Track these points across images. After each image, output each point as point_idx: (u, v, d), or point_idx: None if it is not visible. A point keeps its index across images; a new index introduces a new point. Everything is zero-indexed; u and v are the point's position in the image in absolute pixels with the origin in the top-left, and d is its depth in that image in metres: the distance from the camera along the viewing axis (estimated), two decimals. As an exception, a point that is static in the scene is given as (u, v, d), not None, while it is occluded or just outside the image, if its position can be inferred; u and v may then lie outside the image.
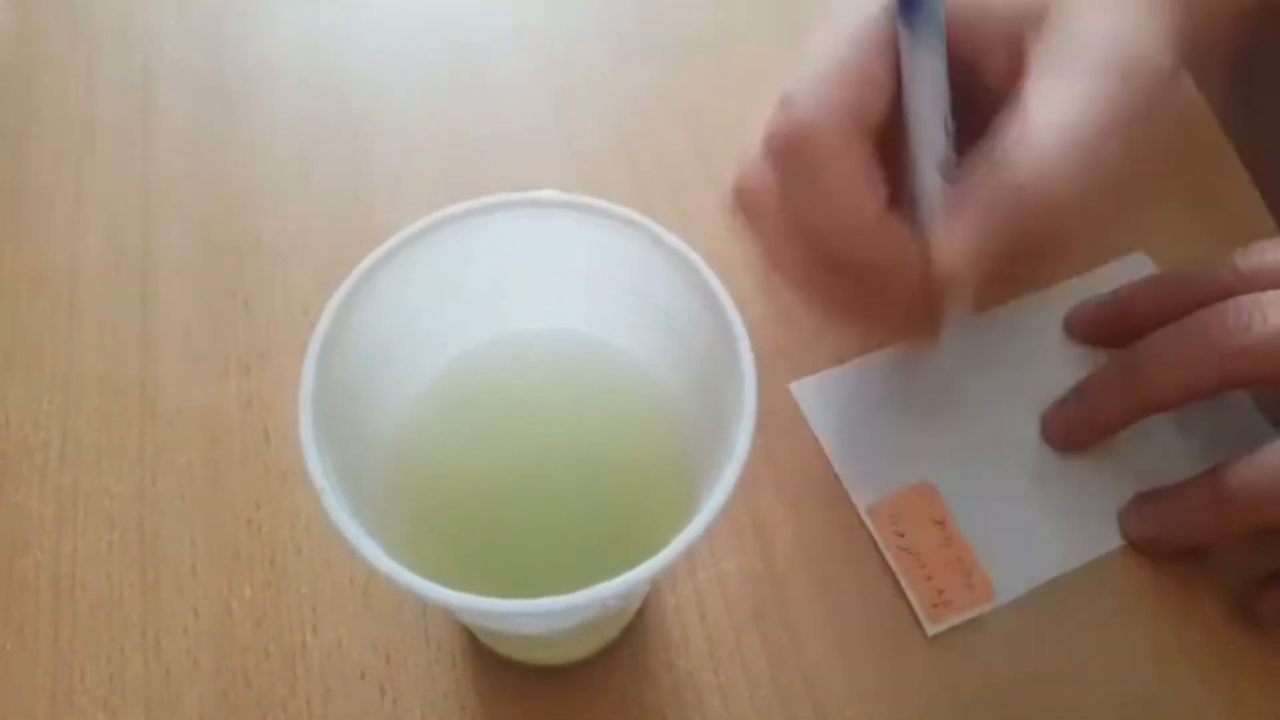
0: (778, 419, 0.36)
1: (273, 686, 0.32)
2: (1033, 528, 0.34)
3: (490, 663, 0.32)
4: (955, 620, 0.32)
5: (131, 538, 0.34)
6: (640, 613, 0.33)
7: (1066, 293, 0.38)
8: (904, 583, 0.33)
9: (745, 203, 0.30)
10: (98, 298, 0.38)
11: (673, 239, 0.25)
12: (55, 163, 0.41)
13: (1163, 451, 0.34)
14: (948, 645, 0.32)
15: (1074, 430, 0.35)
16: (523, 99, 0.43)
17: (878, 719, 0.31)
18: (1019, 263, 0.28)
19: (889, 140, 0.28)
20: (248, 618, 0.33)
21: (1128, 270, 0.38)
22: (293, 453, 0.35)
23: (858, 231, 0.27)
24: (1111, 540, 0.33)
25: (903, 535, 0.33)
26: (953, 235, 0.27)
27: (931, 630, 0.32)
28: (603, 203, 0.26)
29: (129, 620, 0.32)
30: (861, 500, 0.34)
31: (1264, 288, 0.31)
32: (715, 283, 0.24)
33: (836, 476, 0.34)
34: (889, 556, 0.33)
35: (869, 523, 0.33)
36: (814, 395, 0.36)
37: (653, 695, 0.31)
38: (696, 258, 0.25)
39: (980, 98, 0.28)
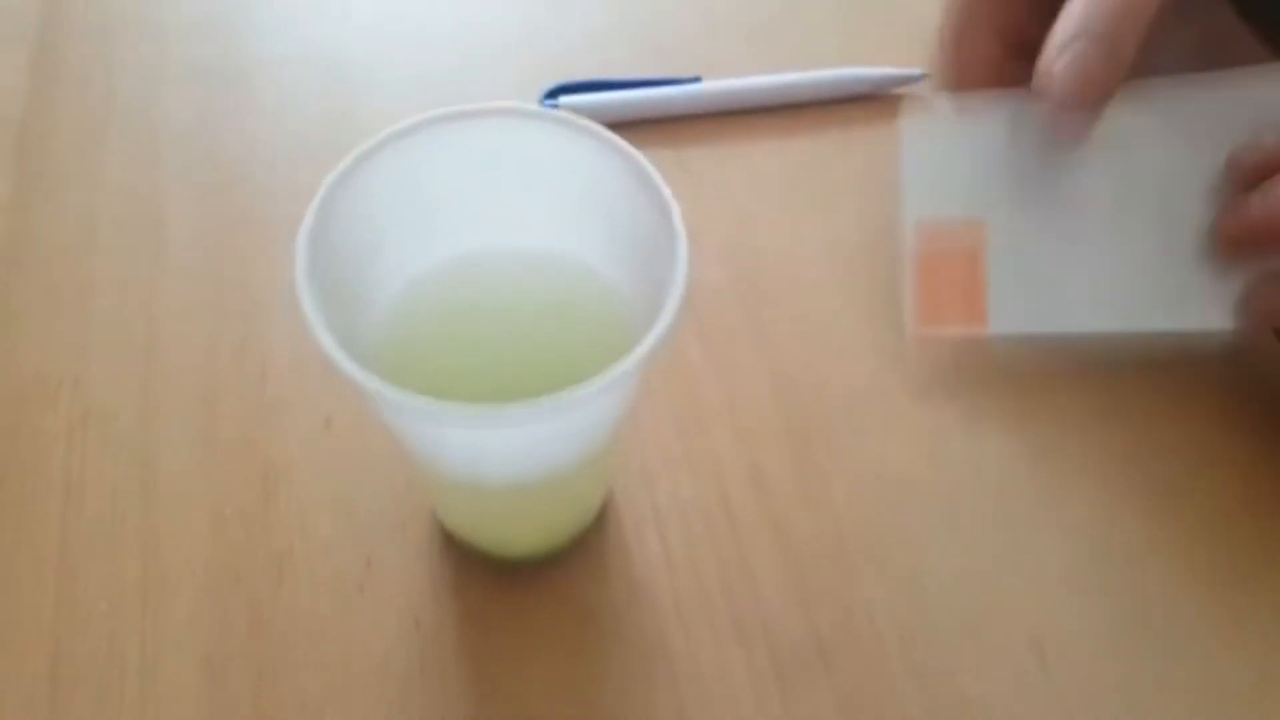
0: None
1: (260, 584, 0.34)
2: (1056, 286, 0.35)
3: (463, 566, 0.34)
4: (942, 332, 0.35)
5: (134, 456, 0.36)
6: (601, 525, 0.35)
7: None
8: (910, 284, 0.35)
9: None
10: (112, 253, 0.42)
11: (614, 138, 0.28)
12: (77, 136, 0.45)
13: None
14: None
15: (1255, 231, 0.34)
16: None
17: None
18: None
19: None
20: (239, 526, 0.35)
21: None
22: (286, 385, 0.38)
23: None
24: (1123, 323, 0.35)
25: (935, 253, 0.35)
26: None
27: (918, 331, 0.35)
28: (561, 113, 0.29)
29: (129, 527, 0.35)
30: (912, 214, 0.36)
31: None
32: (659, 179, 0.27)
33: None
34: (912, 265, 0.35)
35: (911, 233, 0.35)
36: (918, 131, 0.37)
37: (608, 594, 0.34)
38: (641, 158, 0.28)
39: None
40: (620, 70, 0.46)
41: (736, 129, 0.45)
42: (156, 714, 0.32)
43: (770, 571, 0.34)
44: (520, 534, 0.34)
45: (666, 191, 0.27)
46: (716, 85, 0.45)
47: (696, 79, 0.45)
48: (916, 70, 0.46)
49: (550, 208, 0.30)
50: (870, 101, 0.46)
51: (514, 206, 0.30)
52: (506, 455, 0.27)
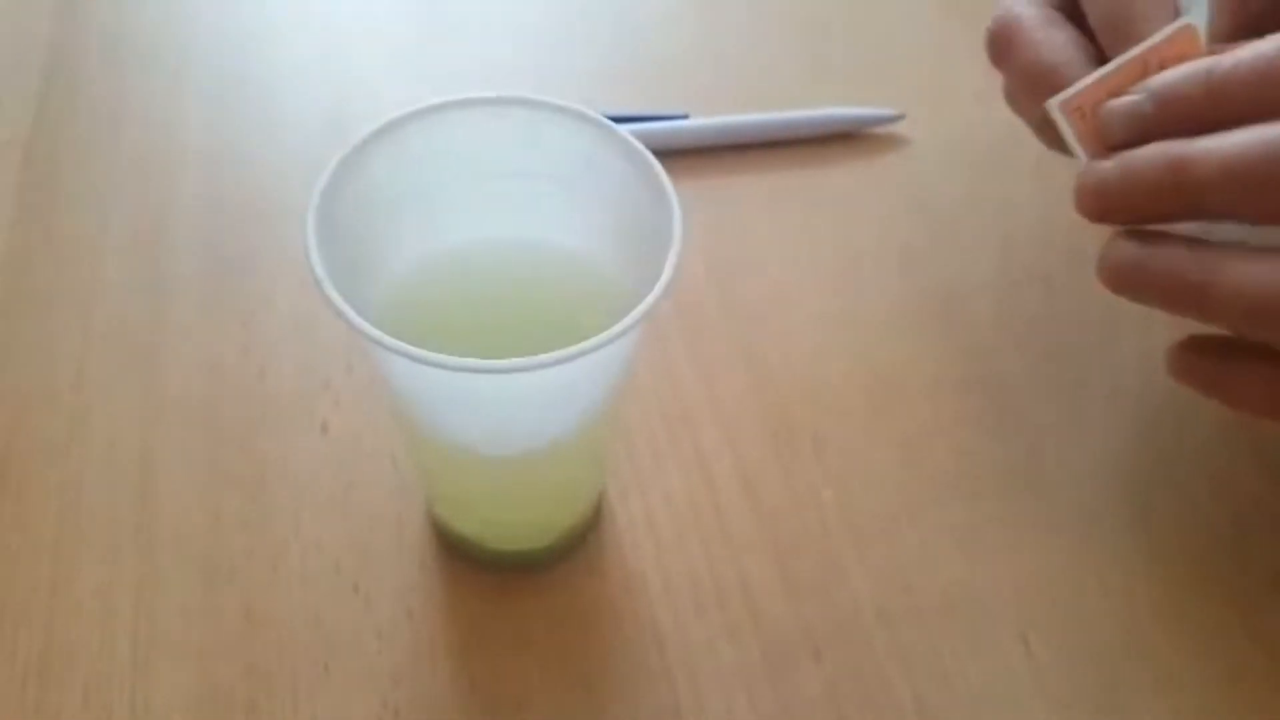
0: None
1: (254, 578, 0.34)
2: None
3: (457, 565, 0.35)
4: None
5: (132, 456, 0.37)
6: (592, 526, 0.36)
7: None
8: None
9: (996, 44, 0.34)
10: (117, 260, 0.42)
11: (613, 126, 0.29)
12: (83, 149, 0.46)
13: None
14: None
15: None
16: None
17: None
18: None
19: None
20: (235, 521, 0.36)
21: None
22: (284, 390, 0.39)
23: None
24: None
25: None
26: None
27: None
28: (563, 101, 0.30)
29: (125, 524, 0.35)
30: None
31: None
32: (652, 160, 0.28)
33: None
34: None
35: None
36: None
37: (599, 589, 0.35)
38: (637, 143, 0.29)
39: None
40: (609, 107, 0.47)
41: (723, 164, 0.47)
42: (148, 708, 0.32)
43: (760, 567, 0.35)
44: (518, 520, 0.34)
45: (660, 170, 0.28)
46: (704, 122, 0.47)
47: (684, 115, 0.47)
48: (890, 111, 0.48)
49: (551, 197, 0.31)
50: (848, 140, 0.48)
51: (515, 196, 0.31)
52: (513, 415, 0.28)
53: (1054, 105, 0.32)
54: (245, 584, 0.34)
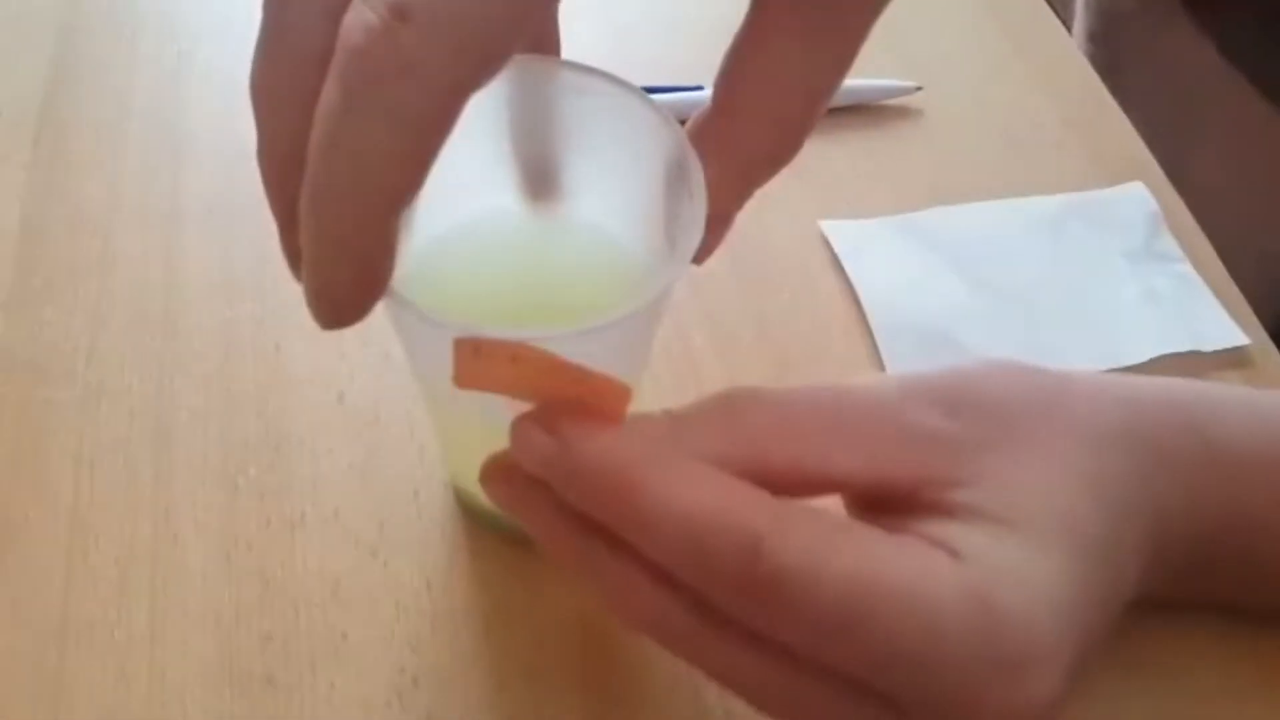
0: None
1: (272, 549, 0.34)
2: None
3: (476, 534, 0.35)
4: None
5: (148, 427, 0.37)
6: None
7: (1055, 206, 0.43)
8: None
9: None
10: (130, 234, 0.42)
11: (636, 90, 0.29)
12: (96, 121, 0.46)
13: None
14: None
15: None
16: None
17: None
18: None
19: None
20: (252, 493, 0.35)
21: (1124, 199, 0.43)
22: (300, 361, 0.39)
23: None
24: None
25: None
26: None
27: None
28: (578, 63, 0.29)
29: (141, 495, 0.35)
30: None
31: None
32: (669, 116, 0.28)
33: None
34: None
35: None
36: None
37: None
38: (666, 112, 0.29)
39: None
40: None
41: (737, 136, 0.46)
42: (166, 677, 0.32)
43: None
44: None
45: (686, 139, 0.27)
46: (719, 93, 0.47)
47: (699, 87, 0.47)
48: (909, 83, 0.47)
49: (571, 166, 0.31)
50: (865, 111, 0.47)
51: (532, 163, 0.31)
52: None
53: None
54: (263, 553, 0.34)
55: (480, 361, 0.24)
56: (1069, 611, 0.25)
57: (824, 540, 0.24)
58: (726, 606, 0.24)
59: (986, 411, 0.27)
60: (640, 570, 0.25)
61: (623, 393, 0.25)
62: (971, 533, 0.25)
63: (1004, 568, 0.25)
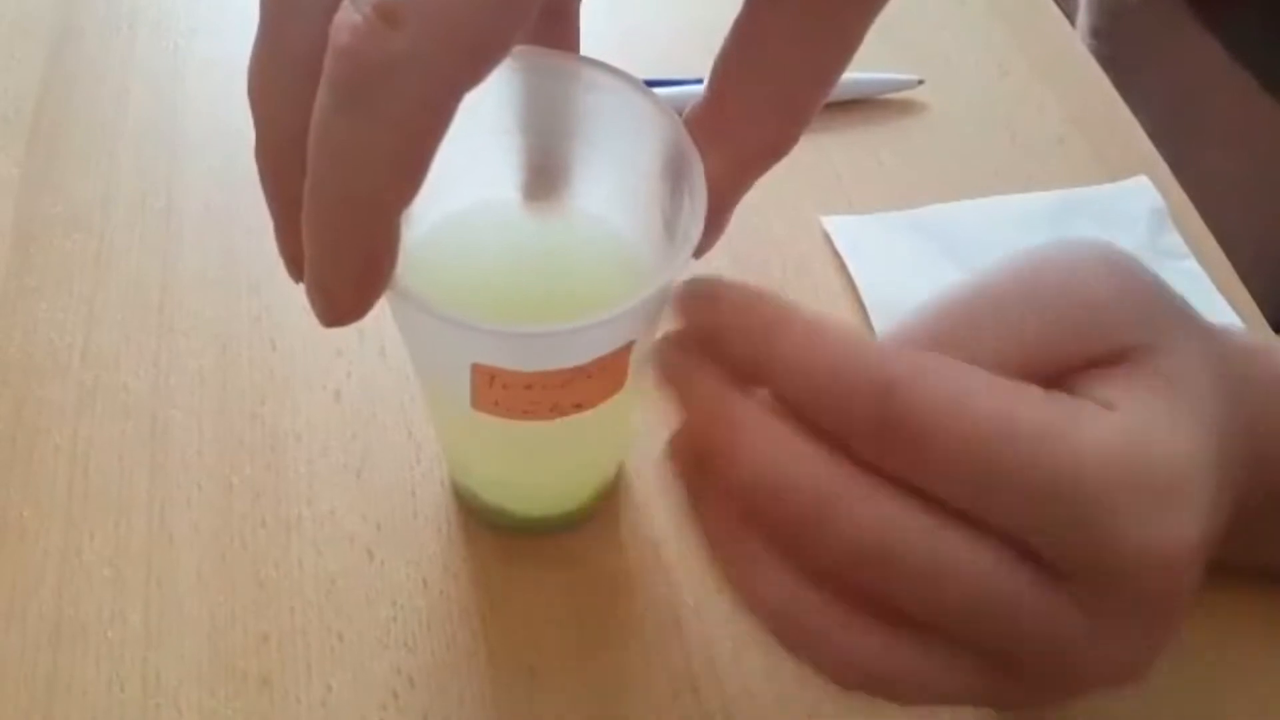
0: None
1: (267, 549, 0.34)
2: None
3: (473, 532, 0.34)
4: None
5: (143, 425, 0.36)
6: (611, 496, 0.35)
7: (1059, 202, 0.43)
8: None
9: None
10: (125, 231, 0.42)
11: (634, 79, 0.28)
12: (91, 118, 0.46)
13: None
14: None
15: None
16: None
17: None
18: None
19: None
20: (247, 492, 0.35)
21: (1129, 194, 0.43)
22: (296, 359, 0.38)
23: None
24: None
25: None
26: None
27: None
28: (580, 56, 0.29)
29: (136, 494, 0.35)
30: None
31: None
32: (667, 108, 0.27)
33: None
34: None
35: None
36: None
37: (617, 559, 0.34)
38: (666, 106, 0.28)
39: None
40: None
41: (738, 131, 0.46)
42: (159, 677, 0.32)
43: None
44: (540, 486, 0.34)
45: (686, 132, 0.27)
46: (719, 88, 0.46)
47: (699, 80, 0.46)
48: (910, 76, 0.47)
49: (572, 157, 0.30)
50: (867, 105, 0.47)
51: (531, 155, 0.31)
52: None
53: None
54: (258, 553, 0.34)
55: (496, 389, 0.26)
56: (1214, 476, 0.24)
57: (963, 383, 0.23)
58: (863, 450, 0.24)
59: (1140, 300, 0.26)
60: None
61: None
62: (1126, 392, 0.25)
63: (1158, 415, 0.24)
